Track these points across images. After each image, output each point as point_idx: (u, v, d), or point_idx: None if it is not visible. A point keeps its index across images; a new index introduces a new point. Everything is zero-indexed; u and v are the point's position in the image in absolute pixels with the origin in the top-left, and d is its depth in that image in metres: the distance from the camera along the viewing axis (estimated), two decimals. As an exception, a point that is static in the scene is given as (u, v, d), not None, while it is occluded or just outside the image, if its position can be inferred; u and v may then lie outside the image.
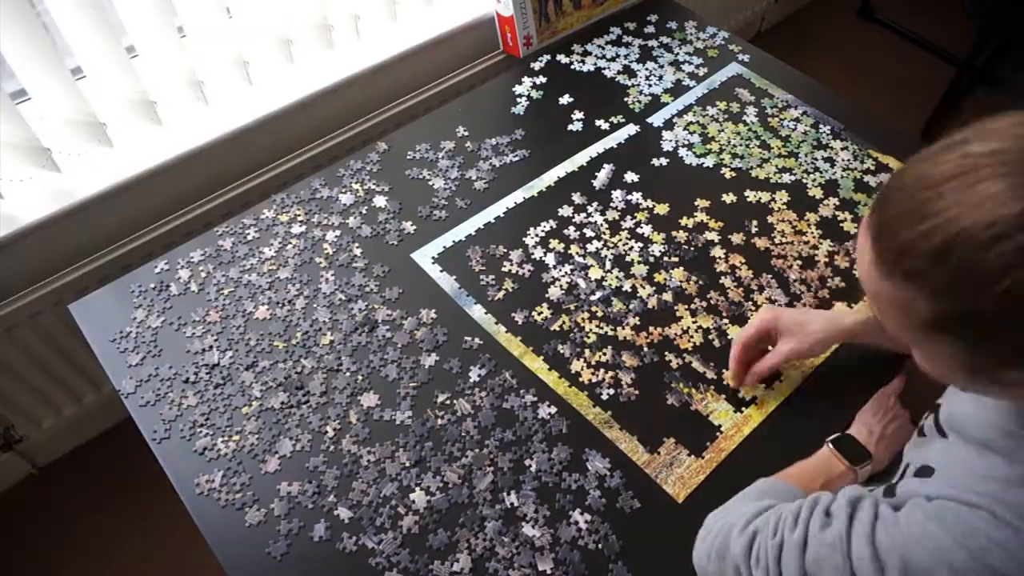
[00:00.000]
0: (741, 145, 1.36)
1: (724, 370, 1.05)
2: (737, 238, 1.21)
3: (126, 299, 1.15)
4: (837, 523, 0.66)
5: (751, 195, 1.28)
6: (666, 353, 1.07)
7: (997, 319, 0.52)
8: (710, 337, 1.09)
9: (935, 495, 0.62)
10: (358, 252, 1.20)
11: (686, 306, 1.13)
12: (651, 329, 1.10)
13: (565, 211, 1.25)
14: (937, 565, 0.59)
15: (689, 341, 1.09)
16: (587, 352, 1.07)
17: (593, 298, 1.14)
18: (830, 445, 0.91)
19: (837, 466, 0.89)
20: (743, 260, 1.18)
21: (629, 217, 1.25)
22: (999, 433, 0.61)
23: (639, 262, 1.18)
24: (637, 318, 1.11)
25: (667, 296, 1.14)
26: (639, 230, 1.23)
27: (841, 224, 1.23)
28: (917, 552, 0.60)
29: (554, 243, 1.21)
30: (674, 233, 1.22)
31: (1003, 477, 0.60)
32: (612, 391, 1.04)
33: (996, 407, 0.63)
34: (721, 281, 1.16)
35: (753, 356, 1.01)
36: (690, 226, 1.23)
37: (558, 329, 1.10)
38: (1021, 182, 0.50)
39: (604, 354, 1.07)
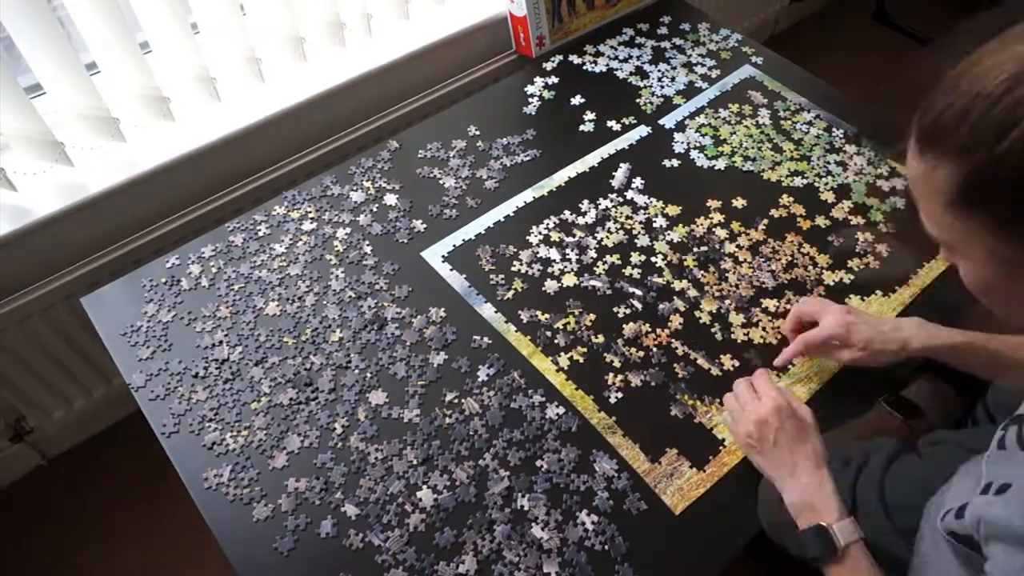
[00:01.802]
0: (753, 148, 1.35)
1: (728, 371, 1.05)
2: (748, 240, 1.21)
3: (137, 293, 1.15)
4: None
5: (762, 198, 1.27)
6: (673, 360, 1.07)
7: (1012, 177, 0.52)
8: (719, 335, 1.09)
9: (998, 519, 0.59)
10: (368, 250, 1.21)
11: (695, 307, 1.12)
12: (659, 332, 1.10)
13: (575, 211, 1.25)
14: None
15: (696, 342, 1.08)
16: (593, 354, 1.07)
17: (602, 299, 1.13)
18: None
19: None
20: (754, 262, 1.18)
21: (640, 218, 1.24)
22: None
23: (649, 264, 1.18)
24: (645, 322, 1.11)
25: (676, 298, 1.13)
26: (649, 232, 1.22)
27: (853, 227, 1.23)
28: None
29: (563, 243, 1.21)
30: (685, 235, 1.22)
31: None
32: (619, 395, 1.03)
33: None
34: (732, 282, 1.15)
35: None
36: (701, 228, 1.23)
37: (566, 329, 1.10)
38: None
39: (611, 357, 1.07)
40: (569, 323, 1.11)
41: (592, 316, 1.11)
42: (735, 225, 1.23)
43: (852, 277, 1.16)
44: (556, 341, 1.09)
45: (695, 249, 1.20)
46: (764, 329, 1.10)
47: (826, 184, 1.29)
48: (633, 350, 1.08)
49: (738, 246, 1.20)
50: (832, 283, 1.15)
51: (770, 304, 1.13)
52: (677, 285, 1.15)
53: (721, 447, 0.98)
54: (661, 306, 1.13)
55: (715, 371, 1.05)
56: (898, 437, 0.85)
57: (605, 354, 1.07)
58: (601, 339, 1.09)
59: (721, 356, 1.07)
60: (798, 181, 1.30)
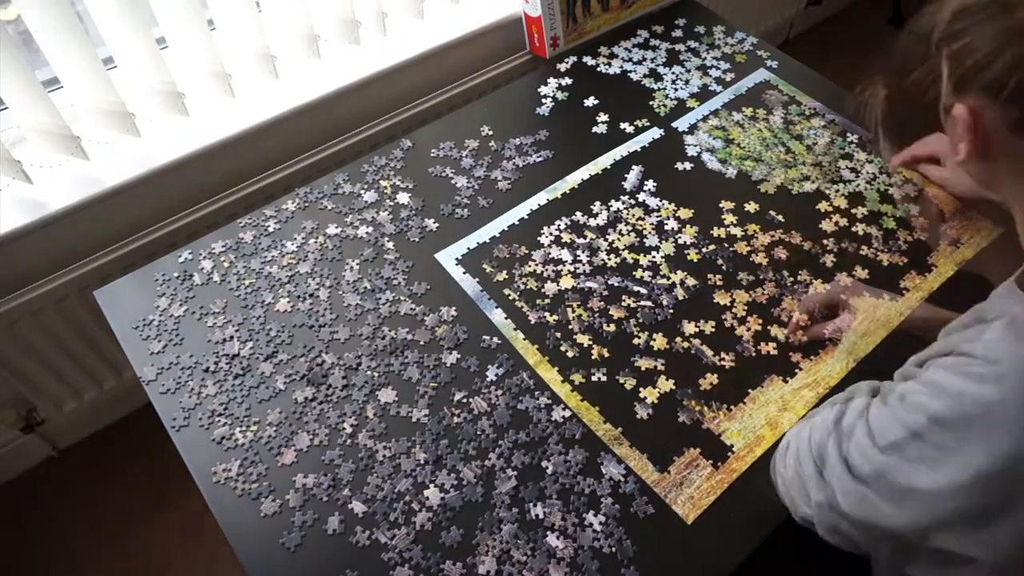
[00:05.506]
0: (766, 151, 1.35)
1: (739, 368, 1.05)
2: (759, 243, 1.20)
3: (150, 287, 1.16)
4: (838, 407, 0.80)
5: (774, 202, 1.27)
6: (681, 366, 1.07)
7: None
8: (728, 339, 1.09)
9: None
10: (380, 248, 1.21)
11: (705, 310, 1.12)
12: (668, 335, 1.09)
13: (587, 214, 1.25)
14: (920, 417, 0.67)
15: (704, 346, 1.08)
16: (600, 363, 1.07)
17: (611, 301, 1.13)
18: None
19: None
20: (766, 265, 1.17)
21: (652, 221, 1.24)
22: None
23: (660, 267, 1.18)
24: (654, 325, 1.11)
25: (686, 301, 1.13)
26: (661, 235, 1.22)
27: (867, 232, 1.22)
28: (904, 413, 0.69)
29: (575, 246, 1.21)
30: (696, 238, 1.22)
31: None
32: (626, 404, 1.02)
33: None
34: (744, 286, 1.15)
35: None
36: (713, 231, 1.23)
37: (572, 334, 1.10)
38: None
39: (619, 363, 1.07)
40: (577, 325, 1.10)
41: (601, 319, 1.11)
42: (746, 228, 1.23)
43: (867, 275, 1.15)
44: (561, 347, 1.08)
45: (706, 252, 1.20)
46: (775, 334, 1.09)
47: (838, 190, 1.28)
48: (641, 355, 1.07)
49: (749, 249, 1.20)
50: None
51: (781, 311, 1.12)
52: (687, 288, 1.15)
53: (730, 453, 0.98)
54: (671, 309, 1.12)
55: (724, 369, 1.05)
56: None
57: (613, 362, 1.07)
58: (609, 343, 1.09)
59: (724, 355, 1.07)
60: (808, 186, 1.29)
